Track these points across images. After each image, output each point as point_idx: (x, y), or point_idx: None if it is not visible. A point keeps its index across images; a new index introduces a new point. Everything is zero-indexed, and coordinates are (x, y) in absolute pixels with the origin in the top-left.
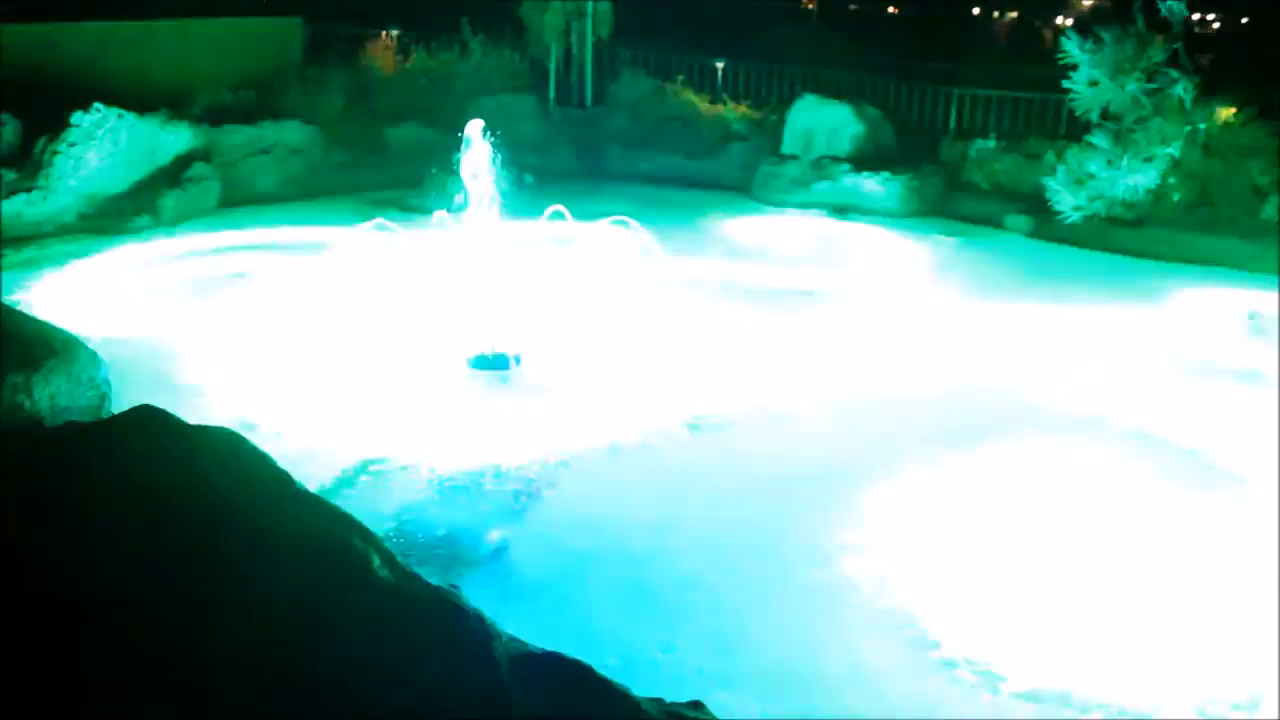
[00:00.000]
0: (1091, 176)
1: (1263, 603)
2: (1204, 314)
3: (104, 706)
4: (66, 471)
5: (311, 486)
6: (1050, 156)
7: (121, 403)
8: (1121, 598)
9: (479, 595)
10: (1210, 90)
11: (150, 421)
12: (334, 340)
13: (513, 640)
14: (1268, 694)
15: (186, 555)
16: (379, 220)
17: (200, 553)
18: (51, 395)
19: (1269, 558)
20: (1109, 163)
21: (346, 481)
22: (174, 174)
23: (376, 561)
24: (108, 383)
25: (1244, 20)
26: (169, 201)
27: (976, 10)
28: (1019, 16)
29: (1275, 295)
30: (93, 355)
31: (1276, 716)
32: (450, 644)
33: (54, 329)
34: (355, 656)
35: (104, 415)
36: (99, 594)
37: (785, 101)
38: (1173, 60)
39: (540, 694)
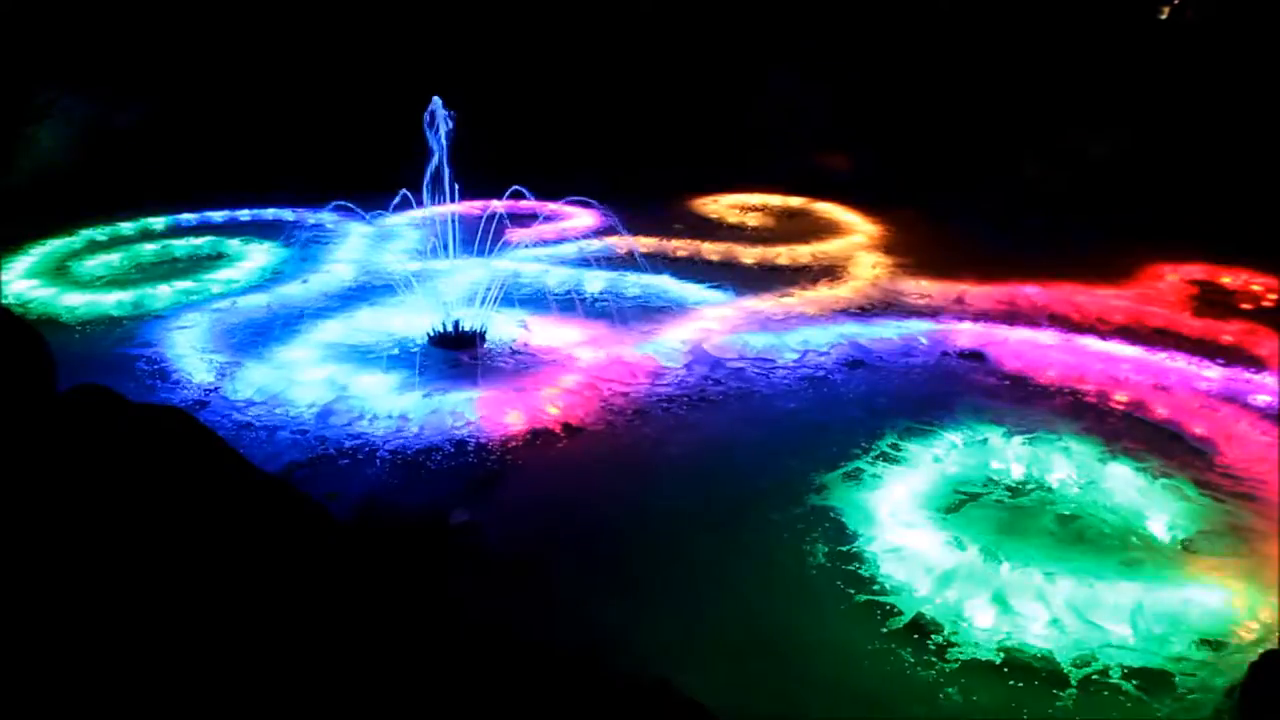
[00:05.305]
0: (1064, 144)
1: None
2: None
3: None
4: (6, 452)
5: (276, 465)
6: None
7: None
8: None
9: (443, 571)
10: None
11: (94, 402)
12: (298, 317)
13: (477, 618)
14: None
15: (131, 537)
16: (339, 201)
17: (146, 535)
18: None
19: None
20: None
21: (310, 460)
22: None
23: (334, 542)
24: (51, 361)
25: None
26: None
27: None
28: None
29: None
30: (35, 334)
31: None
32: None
33: None
34: (318, 642)
35: (48, 395)
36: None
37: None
38: None
39: (505, 672)
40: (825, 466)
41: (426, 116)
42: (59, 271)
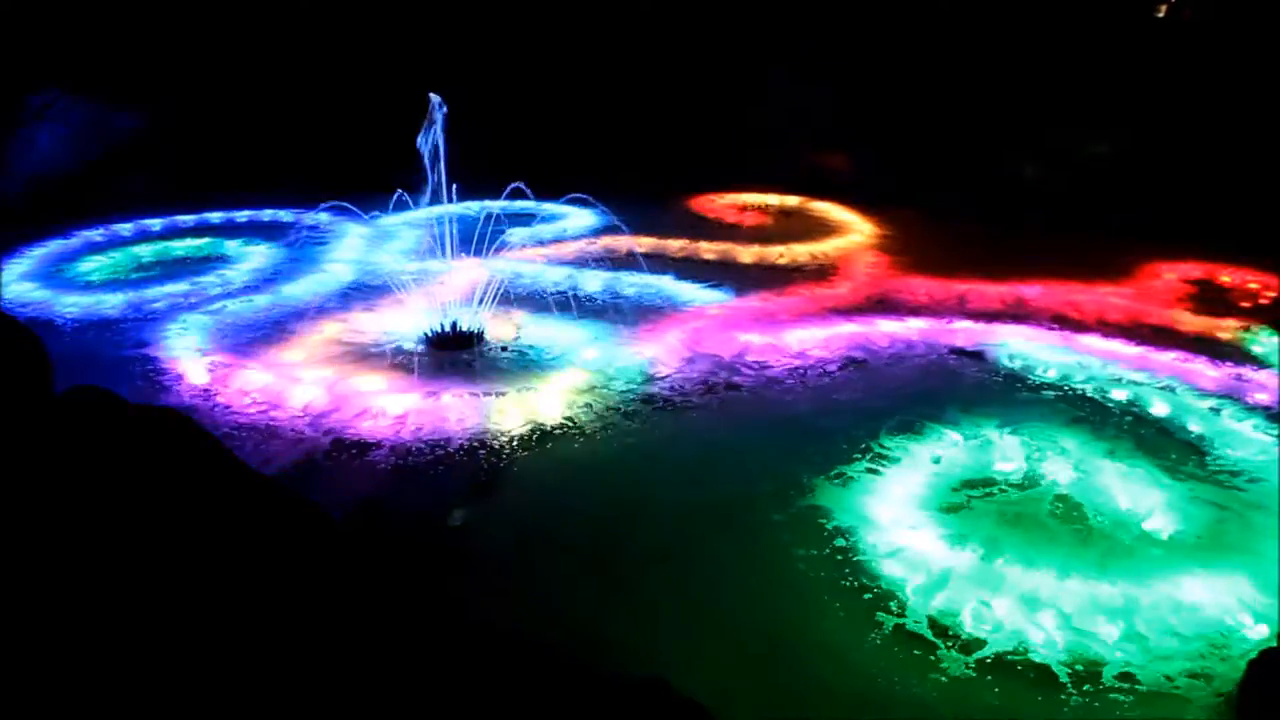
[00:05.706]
0: (1063, 144)
1: None
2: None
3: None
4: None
5: (273, 466)
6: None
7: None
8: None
9: (442, 572)
10: None
11: (92, 403)
12: (295, 318)
13: (476, 619)
14: None
15: (129, 539)
16: (337, 201)
17: (143, 536)
18: None
19: None
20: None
21: (309, 461)
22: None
23: (332, 544)
24: (48, 363)
25: None
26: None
27: None
28: None
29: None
30: (33, 336)
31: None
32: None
33: None
34: (317, 643)
35: (45, 397)
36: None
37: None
38: None
39: (504, 673)
40: (824, 466)
41: (427, 120)
42: (56, 273)
